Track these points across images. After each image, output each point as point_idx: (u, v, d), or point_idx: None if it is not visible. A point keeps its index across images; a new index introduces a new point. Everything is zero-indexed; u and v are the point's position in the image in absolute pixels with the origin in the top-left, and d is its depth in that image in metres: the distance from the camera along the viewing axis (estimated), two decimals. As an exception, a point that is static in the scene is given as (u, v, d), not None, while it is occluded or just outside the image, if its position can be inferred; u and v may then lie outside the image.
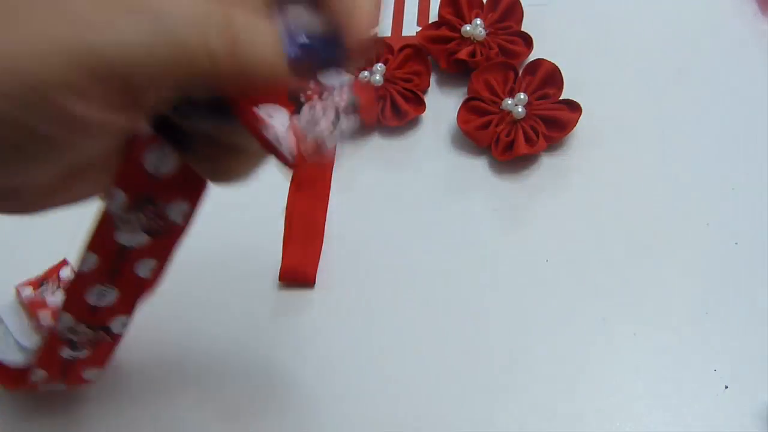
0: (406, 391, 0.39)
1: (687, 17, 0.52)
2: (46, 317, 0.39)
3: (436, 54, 0.50)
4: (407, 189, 0.46)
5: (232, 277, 0.44)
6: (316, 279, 0.44)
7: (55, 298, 0.41)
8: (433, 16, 0.53)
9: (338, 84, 0.23)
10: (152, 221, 0.30)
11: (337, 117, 0.22)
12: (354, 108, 0.23)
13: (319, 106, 0.22)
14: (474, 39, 0.50)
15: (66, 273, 0.43)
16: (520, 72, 0.48)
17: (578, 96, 0.47)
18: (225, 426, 0.39)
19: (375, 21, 0.24)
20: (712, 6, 0.52)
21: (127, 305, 0.33)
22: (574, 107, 0.46)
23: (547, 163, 0.47)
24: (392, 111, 0.48)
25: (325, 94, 0.23)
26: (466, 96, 0.48)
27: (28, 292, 0.41)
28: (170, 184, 0.28)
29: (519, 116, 0.46)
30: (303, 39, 0.23)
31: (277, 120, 0.22)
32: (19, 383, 0.38)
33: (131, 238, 0.30)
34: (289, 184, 0.47)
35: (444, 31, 0.51)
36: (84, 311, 0.33)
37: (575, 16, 0.53)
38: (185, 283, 0.41)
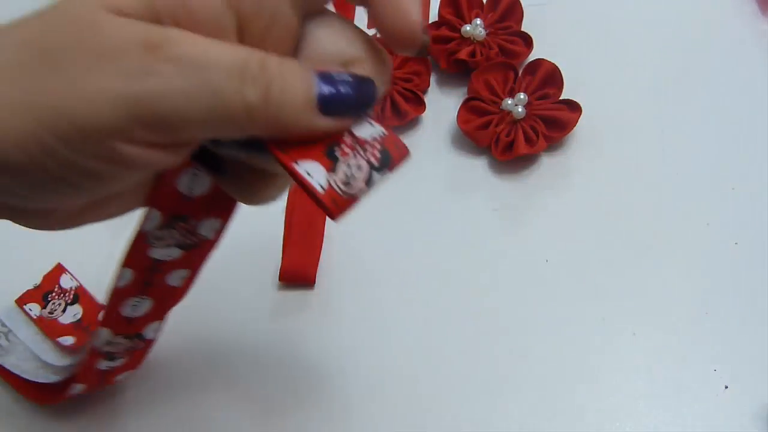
0: (406, 390, 0.39)
1: (687, 17, 0.52)
2: (68, 340, 0.40)
3: (436, 54, 0.50)
4: (407, 189, 0.46)
5: (232, 277, 0.44)
6: (316, 279, 0.43)
7: (67, 315, 0.41)
8: (433, 16, 0.53)
9: (371, 137, 0.24)
10: (185, 237, 0.31)
11: (371, 174, 0.23)
12: (387, 163, 0.23)
13: (354, 162, 0.23)
14: (474, 39, 0.50)
15: (66, 281, 0.42)
16: (520, 72, 0.48)
17: (578, 96, 0.47)
18: (225, 425, 0.39)
19: (422, 17, 0.24)
20: (712, 6, 0.52)
21: (159, 312, 0.35)
22: (574, 107, 0.46)
23: (547, 163, 0.47)
24: (392, 111, 0.48)
25: (359, 149, 0.23)
26: (466, 96, 0.48)
27: (36, 310, 0.41)
28: (203, 204, 0.30)
29: (519, 116, 0.46)
30: (334, 81, 0.23)
31: (315, 178, 0.22)
32: (56, 399, 0.38)
33: (164, 253, 0.31)
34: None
35: (444, 31, 0.51)
36: (121, 324, 0.34)
37: (575, 16, 0.53)
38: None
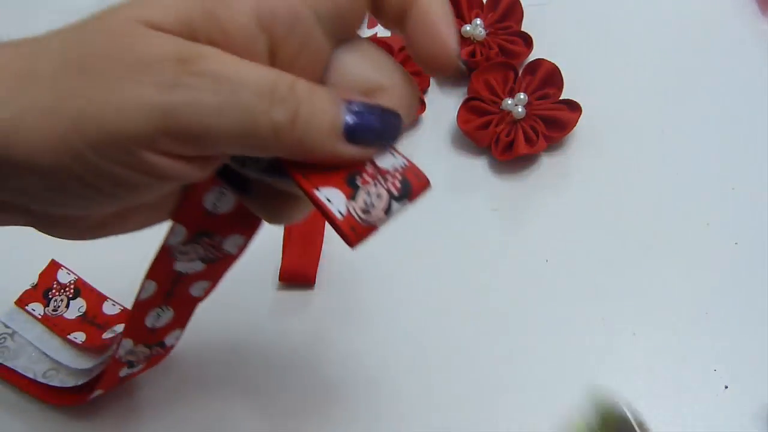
0: (406, 390, 0.39)
1: (687, 17, 0.52)
2: (79, 336, 0.40)
3: (436, 54, 0.50)
4: (407, 189, 0.46)
5: (232, 277, 0.44)
6: (316, 279, 0.43)
7: (72, 310, 0.41)
8: (433, 16, 0.53)
9: (393, 167, 0.24)
10: (208, 252, 0.32)
11: (391, 203, 0.23)
12: (408, 193, 0.24)
13: (374, 191, 0.23)
14: (474, 39, 0.50)
15: (63, 276, 0.42)
16: (520, 72, 0.48)
17: (578, 96, 0.47)
18: (224, 424, 0.39)
19: (454, 32, 0.25)
20: (712, 6, 0.52)
21: (181, 321, 0.35)
22: (574, 107, 0.46)
23: (547, 163, 0.47)
24: (392, 111, 0.48)
25: (380, 178, 0.24)
26: (466, 96, 0.48)
27: (39, 309, 0.41)
28: (227, 221, 0.31)
29: (519, 116, 0.46)
30: (362, 111, 0.24)
31: (334, 204, 0.23)
32: (74, 402, 0.39)
33: (188, 266, 0.32)
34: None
35: (444, 31, 0.51)
36: (144, 334, 0.34)
37: (575, 16, 0.53)
38: (185, 283, 0.41)
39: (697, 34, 0.51)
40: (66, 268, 0.43)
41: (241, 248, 0.33)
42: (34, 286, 0.42)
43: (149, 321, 0.34)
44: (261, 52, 0.23)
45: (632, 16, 0.53)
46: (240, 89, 0.22)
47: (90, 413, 0.40)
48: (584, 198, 0.45)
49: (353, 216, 0.23)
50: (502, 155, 0.46)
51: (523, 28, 0.51)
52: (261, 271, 0.44)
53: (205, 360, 0.41)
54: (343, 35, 0.25)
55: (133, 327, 0.34)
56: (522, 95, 0.47)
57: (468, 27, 0.50)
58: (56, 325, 0.40)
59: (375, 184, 0.23)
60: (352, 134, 0.24)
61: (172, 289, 0.33)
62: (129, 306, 0.41)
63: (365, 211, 0.23)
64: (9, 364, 0.39)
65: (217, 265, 0.33)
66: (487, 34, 0.50)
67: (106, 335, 0.40)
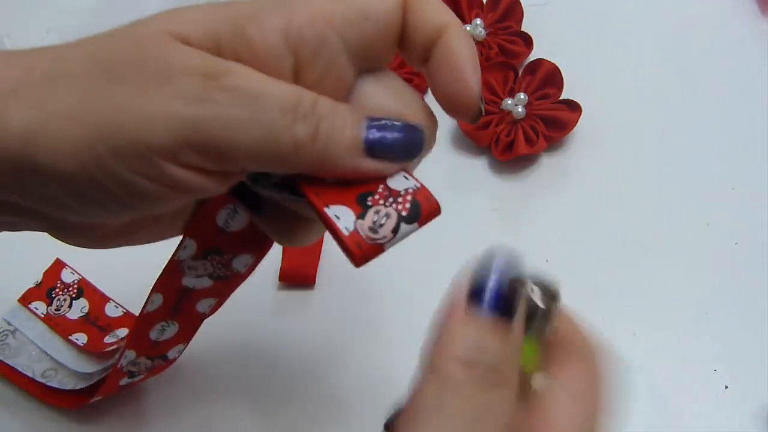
0: (406, 390, 0.39)
1: (687, 17, 0.52)
2: (81, 338, 0.40)
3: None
4: (407, 189, 0.46)
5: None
6: (316, 279, 0.44)
7: (74, 311, 0.41)
8: (433, 16, 0.53)
9: (404, 189, 0.24)
10: (217, 269, 0.32)
11: (399, 224, 0.23)
12: (417, 215, 0.24)
13: (383, 211, 0.23)
14: (474, 39, 0.50)
15: (67, 275, 0.43)
16: (520, 72, 0.48)
17: (578, 96, 0.47)
18: (224, 423, 0.39)
19: (478, 74, 0.25)
20: (712, 6, 0.52)
21: (185, 335, 0.35)
22: (574, 107, 0.46)
23: (547, 163, 0.47)
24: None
25: (391, 199, 0.24)
26: (466, 96, 0.48)
27: (42, 308, 0.41)
28: (238, 239, 0.31)
29: (519, 116, 0.46)
30: (383, 126, 0.24)
31: (342, 221, 0.23)
32: (73, 405, 0.39)
33: (196, 282, 0.32)
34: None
35: (444, 31, 0.51)
36: (147, 347, 0.34)
37: (575, 16, 0.53)
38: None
39: (697, 34, 0.51)
40: (70, 267, 0.43)
41: (251, 268, 0.33)
42: (38, 285, 0.42)
43: (154, 334, 0.34)
44: (286, 72, 0.23)
45: (632, 16, 0.53)
46: (264, 105, 0.22)
47: (95, 417, 0.40)
48: (584, 198, 0.45)
49: (360, 234, 0.23)
50: (502, 155, 0.46)
51: (523, 28, 0.51)
52: (261, 271, 0.44)
53: (206, 360, 0.41)
54: (369, 65, 0.25)
55: (137, 339, 0.34)
56: (522, 95, 0.47)
57: (468, 27, 0.50)
58: (58, 325, 0.40)
59: (385, 204, 0.23)
60: (372, 149, 0.24)
61: (179, 303, 0.33)
62: (131, 308, 0.41)
63: (373, 230, 0.23)
64: (9, 361, 0.40)
65: (225, 283, 0.33)
66: (487, 34, 0.50)
67: (108, 339, 0.40)
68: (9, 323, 0.41)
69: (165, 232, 0.30)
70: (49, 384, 0.39)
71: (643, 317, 0.41)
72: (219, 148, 0.22)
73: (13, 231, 0.27)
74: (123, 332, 0.40)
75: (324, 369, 0.41)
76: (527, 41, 0.50)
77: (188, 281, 0.32)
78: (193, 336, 0.36)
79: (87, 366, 0.39)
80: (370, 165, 0.24)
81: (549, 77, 0.47)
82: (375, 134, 0.24)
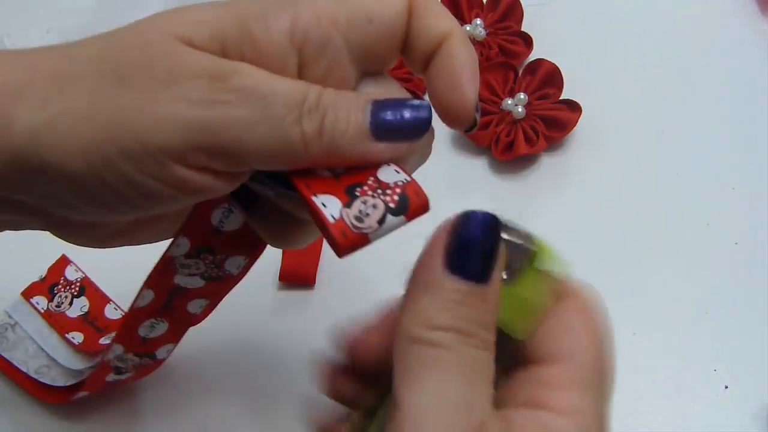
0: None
1: (687, 17, 0.52)
2: (77, 337, 0.40)
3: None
4: (407, 189, 0.46)
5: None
6: (316, 279, 0.43)
7: (74, 309, 0.41)
8: (433, 16, 0.53)
9: (394, 182, 0.24)
10: (210, 269, 0.32)
11: (385, 215, 0.23)
12: (405, 208, 0.24)
13: (371, 201, 0.23)
14: (474, 39, 0.50)
15: (71, 272, 0.43)
16: (520, 72, 0.48)
17: (578, 96, 0.47)
18: (224, 423, 0.39)
19: (476, 84, 0.25)
20: (712, 6, 0.52)
21: (175, 335, 0.35)
22: (574, 107, 0.46)
23: (547, 162, 0.47)
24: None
25: (379, 191, 0.23)
26: (466, 96, 0.48)
27: (43, 303, 0.41)
28: (231, 240, 0.31)
29: (519, 116, 0.46)
30: (389, 107, 0.24)
31: (328, 209, 0.23)
32: (59, 400, 0.39)
33: (188, 281, 0.32)
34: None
35: (444, 31, 0.51)
36: (135, 343, 0.34)
37: (575, 16, 0.53)
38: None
39: (697, 34, 0.51)
40: (75, 265, 0.43)
41: (243, 270, 0.33)
42: (42, 279, 0.42)
43: (142, 331, 0.34)
44: (290, 71, 0.23)
45: (632, 16, 0.53)
46: (270, 103, 0.22)
47: (90, 415, 0.40)
48: (584, 198, 0.45)
49: (345, 222, 0.23)
50: (502, 155, 0.46)
51: (523, 28, 0.51)
52: (261, 271, 0.44)
53: (205, 359, 0.41)
54: (371, 68, 0.25)
55: (126, 334, 0.34)
56: (522, 95, 0.47)
57: (468, 27, 0.50)
58: (56, 322, 0.41)
59: (373, 196, 0.23)
60: (379, 132, 0.24)
61: (170, 302, 0.33)
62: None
63: (359, 219, 0.23)
64: (6, 354, 0.40)
65: (217, 285, 0.33)
66: (487, 34, 0.50)
67: (103, 340, 0.40)
68: (10, 316, 0.41)
69: (166, 233, 0.30)
70: (41, 380, 0.39)
71: (643, 317, 0.41)
72: (228, 149, 0.22)
73: (15, 230, 0.27)
74: None
75: (324, 369, 0.41)
76: (527, 41, 0.50)
77: (180, 280, 0.32)
78: (182, 337, 0.36)
79: (79, 363, 0.39)
80: (380, 148, 0.24)
81: (549, 77, 0.47)
82: (380, 117, 0.24)
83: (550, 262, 0.24)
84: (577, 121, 0.46)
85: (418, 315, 0.22)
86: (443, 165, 0.47)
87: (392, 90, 0.25)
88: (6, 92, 0.23)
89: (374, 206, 0.23)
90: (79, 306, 0.42)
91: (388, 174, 0.24)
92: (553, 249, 0.24)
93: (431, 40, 0.25)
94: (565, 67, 0.47)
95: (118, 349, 0.34)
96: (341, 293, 0.43)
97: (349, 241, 0.23)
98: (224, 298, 0.43)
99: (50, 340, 0.40)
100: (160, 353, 0.36)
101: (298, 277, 0.43)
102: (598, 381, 0.23)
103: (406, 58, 0.26)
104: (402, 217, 0.24)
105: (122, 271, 0.39)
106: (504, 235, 0.23)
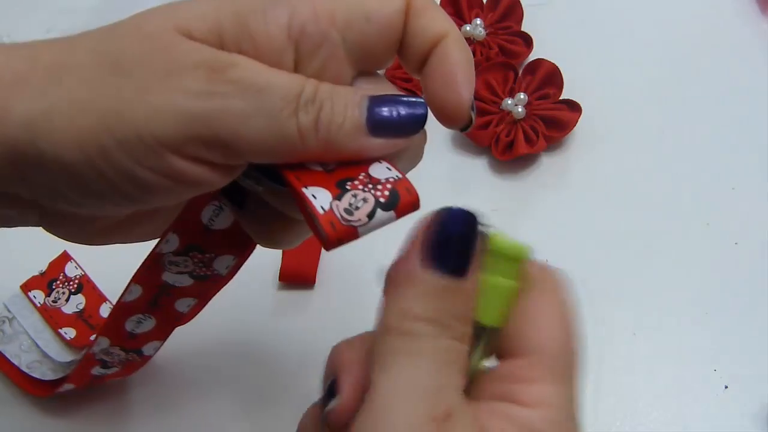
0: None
1: (687, 17, 0.52)
2: (70, 332, 0.40)
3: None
4: (407, 189, 0.46)
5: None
6: (316, 279, 0.43)
7: (70, 305, 0.41)
8: (433, 16, 0.53)
9: (385, 178, 0.24)
10: (198, 268, 0.32)
11: (375, 210, 0.23)
12: (395, 203, 0.24)
13: (361, 195, 0.23)
14: (474, 39, 0.50)
15: (71, 269, 0.43)
16: (520, 72, 0.48)
17: (578, 96, 0.47)
18: (224, 423, 0.39)
19: (471, 84, 0.25)
20: (712, 6, 0.52)
21: (162, 333, 0.35)
22: (574, 107, 0.46)
23: (547, 162, 0.47)
24: (392, 111, 0.48)
25: (370, 186, 0.24)
26: (466, 96, 0.48)
27: (40, 297, 0.41)
28: (221, 239, 0.31)
29: (519, 116, 0.46)
30: (385, 102, 0.24)
31: (318, 200, 0.23)
32: (46, 393, 0.39)
33: (176, 278, 0.32)
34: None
35: (444, 31, 0.51)
36: (121, 337, 0.34)
37: (575, 16, 0.53)
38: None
39: (697, 34, 0.51)
40: (75, 262, 0.43)
41: (232, 271, 0.33)
42: (42, 274, 0.42)
43: (129, 325, 0.34)
44: (287, 66, 0.24)
45: (632, 16, 0.53)
46: (267, 95, 0.22)
47: (86, 413, 0.40)
48: (584, 198, 0.45)
49: (335, 213, 0.23)
50: (502, 155, 0.46)
51: (523, 28, 0.51)
52: (261, 271, 0.44)
53: (205, 359, 0.41)
54: (367, 67, 0.25)
55: (112, 327, 0.33)
56: (522, 95, 0.47)
57: (468, 27, 0.50)
58: (51, 317, 0.41)
59: (364, 190, 0.23)
60: (375, 127, 0.24)
61: (157, 298, 0.33)
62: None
63: (348, 212, 0.23)
64: (0, 347, 0.40)
65: (205, 284, 0.33)
66: (487, 34, 0.50)
67: (94, 337, 0.40)
68: (8, 310, 0.41)
69: (159, 231, 0.30)
70: (31, 375, 0.39)
71: (643, 317, 0.41)
72: (225, 140, 0.23)
73: (8, 226, 0.27)
74: None
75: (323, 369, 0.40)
76: (527, 41, 0.50)
77: (168, 277, 0.32)
78: (169, 335, 0.36)
79: (68, 356, 0.39)
80: (375, 143, 0.24)
81: (549, 77, 0.47)
82: (376, 112, 0.24)
83: (508, 245, 0.24)
84: (577, 121, 0.46)
85: (396, 306, 0.22)
86: (443, 165, 0.47)
87: (387, 90, 0.25)
88: (3, 83, 0.23)
89: (364, 200, 0.23)
90: (75, 303, 0.42)
91: (380, 170, 0.24)
92: (506, 233, 0.24)
93: (427, 40, 0.25)
94: (565, 67, 0.47)
95: (104, 342, 0.34)
96: (341, 293, 0.43)
97: (338, 233, 0.23)
98: (224, 298, 0.43)
99: (44, 334, 0.40)
100: (147, 350, 0.36)
101: (298, 277, 0.43)
102: (567, 368, 0.23)
103: (402, 58, 0.26)
104: (392, 213, 0.24)
105: (122, 271, 0.39)
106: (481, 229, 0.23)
